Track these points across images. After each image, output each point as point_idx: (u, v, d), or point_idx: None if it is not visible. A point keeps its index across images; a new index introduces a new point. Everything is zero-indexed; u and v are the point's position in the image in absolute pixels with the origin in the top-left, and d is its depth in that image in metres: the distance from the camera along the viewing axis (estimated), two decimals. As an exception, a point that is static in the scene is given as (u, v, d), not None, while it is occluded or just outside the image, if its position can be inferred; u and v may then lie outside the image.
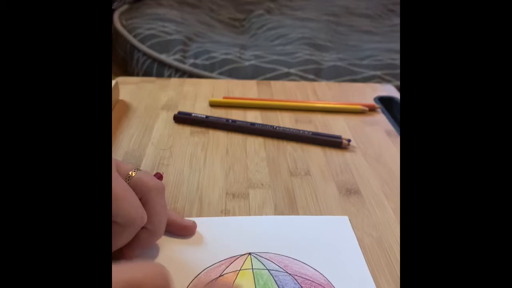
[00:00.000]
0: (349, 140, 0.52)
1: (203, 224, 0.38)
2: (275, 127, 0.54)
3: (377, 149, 0.52)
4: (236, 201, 0.42)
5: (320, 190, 0.44)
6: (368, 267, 0.35)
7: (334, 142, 0.51)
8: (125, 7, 1.79)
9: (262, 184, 0.44)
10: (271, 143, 0.52)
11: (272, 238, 0.37)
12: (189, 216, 0.39)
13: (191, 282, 0.32)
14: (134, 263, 0.25)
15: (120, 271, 0.24)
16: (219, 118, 0.55)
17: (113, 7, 1.74)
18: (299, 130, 0.53)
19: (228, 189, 0.43)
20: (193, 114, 0.55)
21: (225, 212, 0.40)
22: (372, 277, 0.34)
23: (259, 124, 0.54)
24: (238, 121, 0.55)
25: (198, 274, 0.33)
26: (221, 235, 0.37)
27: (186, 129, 0.54)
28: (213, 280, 0.33)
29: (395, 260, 0.36)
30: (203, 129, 0.54)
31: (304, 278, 0.33)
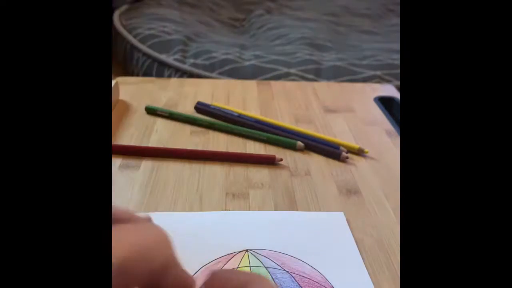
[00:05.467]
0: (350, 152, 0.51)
1: (198, 219, 0.38)
2: (275, 127, 0.54)
3: (377, 149, 0.52)
4: (236, 201, 0.42)
5: (320, 190, 0.44)
6: (368, 267, 0.35)
7: (333, 153, 0.49)
8: (125, 7, 1.79)
9: (262, 184, 0.44)
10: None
11: (268, 234, 0.37)
12: (189, 216, 0.39)
13: None
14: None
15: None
16: (227, 111, 0.56)
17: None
18: (298, 135, 0.53)
19: (228, 189, 0.43)
20: (211, 106, 0.58)
21: (225, 212, 0.40)
22: (372, 277, 0.34)
23: (260, 123, 0.54)
24: (242, 116, 0.56)
25: (195, 272, 0.33)
26: (217, 231, 0.37)
27: (186, 129, 0.54)
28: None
29: (395, 260, 0.36)
30: (203, 129, 0.54)
31: (302, 276, 0.33)
